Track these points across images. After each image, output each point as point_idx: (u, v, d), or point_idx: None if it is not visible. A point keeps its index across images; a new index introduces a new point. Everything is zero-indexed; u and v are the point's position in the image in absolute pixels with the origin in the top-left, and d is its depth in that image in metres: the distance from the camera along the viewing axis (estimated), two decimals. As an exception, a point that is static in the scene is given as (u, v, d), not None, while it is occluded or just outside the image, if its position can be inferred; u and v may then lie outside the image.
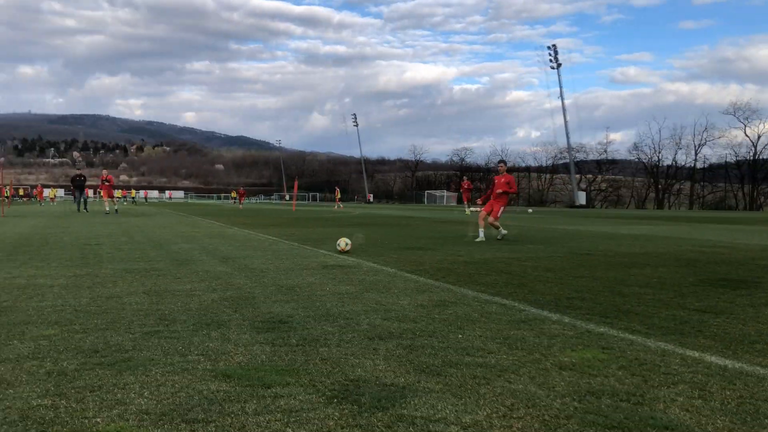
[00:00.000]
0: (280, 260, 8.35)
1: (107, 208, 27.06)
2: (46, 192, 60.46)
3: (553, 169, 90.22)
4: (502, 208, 12.64)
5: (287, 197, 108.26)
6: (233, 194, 71.40)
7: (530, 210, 44.66)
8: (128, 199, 71.81)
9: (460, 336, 3.97)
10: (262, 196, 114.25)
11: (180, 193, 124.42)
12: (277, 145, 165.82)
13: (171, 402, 2.67)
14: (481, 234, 12.36)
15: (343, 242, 9.52)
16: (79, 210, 27.40)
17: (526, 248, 10.75)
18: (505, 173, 12.99)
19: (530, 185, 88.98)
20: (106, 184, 27.94)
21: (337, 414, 2.56)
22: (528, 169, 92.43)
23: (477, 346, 3.73)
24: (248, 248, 10.18)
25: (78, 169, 39.75)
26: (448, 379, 3.07)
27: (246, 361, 3.33)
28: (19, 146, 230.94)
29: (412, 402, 2.72)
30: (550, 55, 71.00)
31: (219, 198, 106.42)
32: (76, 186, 28.70)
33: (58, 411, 2.54)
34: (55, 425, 2.39)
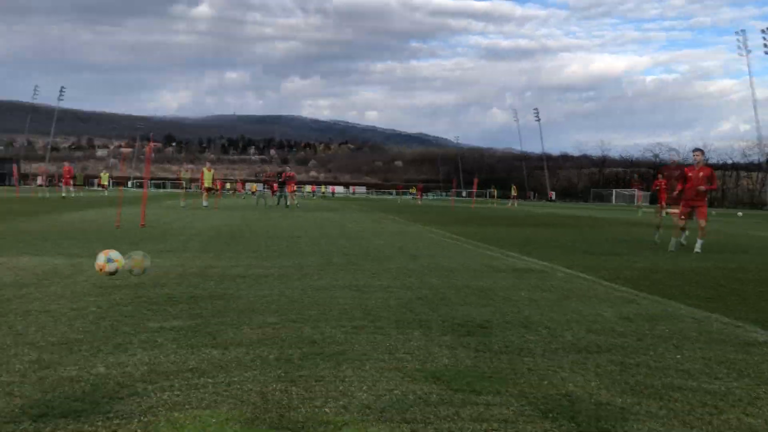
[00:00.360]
0: (467, 260, 8.38)
1: (296, 202, 29.34)
2: (248, 186, 67.29)
3: (768, 166, 79.81)
4: (707, 208, 11.35)
5: (464, 194, 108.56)
6: (412, 190, 73.47)
7: (740, 213, 40.01)
8: (317, 194, 77.26)
9: (678, 356, 3.65)
10: (439, 192, 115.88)
11: (362, 189, 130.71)
12: (455, 141, 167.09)
13: (388, 399, 2.79)
14: (682, 239, 11.31)
15: (103, 257, 5.27)
16: (278, 204, 29.85)
17: (738, 258, 9.65)
18: (702, 165, 11.03)
19: (739, 185, 79.69)
20: (290, 181, 30.37)
21: (555, 430, 2.49)
22: (735, 167, 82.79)
23: (699, 369, 3.40)
24: (433, 246, 10.37)
25: (279, 166, 43.17)
26: (672, 404, 2.84)
27: (452, 364, 3.38)
28: (225, 144, 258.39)
29: (634, 426, 2.56)
30: (764, 39, 63.02)
31: (398, 194, 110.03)
32: (278, 182, 31.24)
33: (290, 397, 2.78)
34: (291, 410, 2.62)
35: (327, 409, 2.64)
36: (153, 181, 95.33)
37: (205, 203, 26.02)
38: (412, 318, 4.52)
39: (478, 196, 74.09)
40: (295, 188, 31.50)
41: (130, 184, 75.15)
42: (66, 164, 36.13)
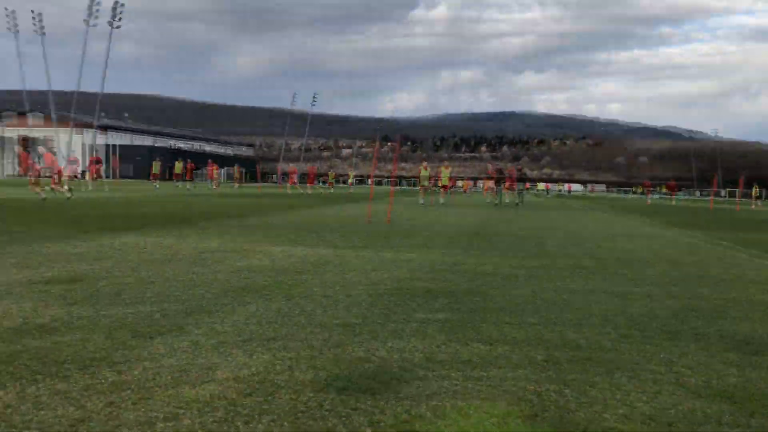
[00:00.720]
0: (741, 270, 7.47)
1: (507, 200, 28.67)
2: (479, 184, 68.29)
3: None
4: None
5: (723, 193, 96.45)
6: (662, 188, 67.50)
7: None
8: (550, 191, 75.25)
9: None
10: (693, 192, 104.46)
11: (601, 187, 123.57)
12: (712, 134, 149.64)
13: (674, 413, 2.63)
14: None
15: None
16: (499, 203, 29.34)
17: None
18: None
19: None
20: (508, 177, 29.62)
21: None
22: None
23: None
24: (696, 253, 9.44)
25: (514, 164, 42.89)
26: None
27: (742, 384, 3.06)
28: (457, 142, 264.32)
29: None
30: None
31: (641, 193, 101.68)
32: (497, 179, 30.56)
33: (566, 399, 2.77)
34: (570, 413, 2.61)
35: (607, 416, 2.59)
36: (388, 179, 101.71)
37: (421, 201, 26.90)
38: (685, 330, 4.18)
39: (743, 196, 65.35)
40: (514, 186, 30.45)
41: (369, 181, 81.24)
42: (291, 165, 41.46)
